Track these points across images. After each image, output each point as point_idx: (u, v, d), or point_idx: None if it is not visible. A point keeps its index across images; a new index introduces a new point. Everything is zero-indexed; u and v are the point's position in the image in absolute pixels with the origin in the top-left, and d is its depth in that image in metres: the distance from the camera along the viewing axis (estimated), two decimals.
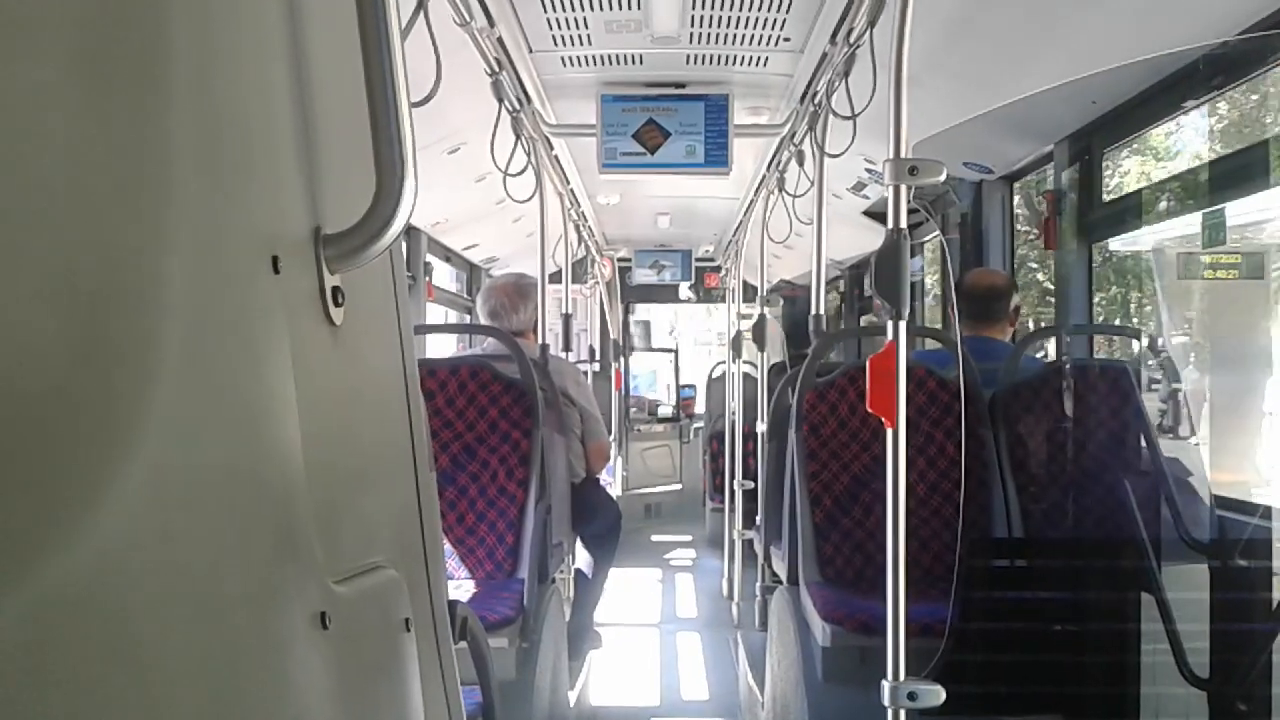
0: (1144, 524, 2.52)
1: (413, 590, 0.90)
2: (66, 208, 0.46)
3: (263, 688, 0.60)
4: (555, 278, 4.48)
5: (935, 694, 1.77)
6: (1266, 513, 2.25)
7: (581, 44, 3.20)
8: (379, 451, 0.90)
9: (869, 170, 4.38)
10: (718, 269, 8.86)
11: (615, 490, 7.87)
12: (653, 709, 4.47)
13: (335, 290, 0.77)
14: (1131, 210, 3.34)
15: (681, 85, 3.62)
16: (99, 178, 0.48)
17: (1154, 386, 3.06)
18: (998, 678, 2.26)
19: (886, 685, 1.79)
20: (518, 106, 3.34)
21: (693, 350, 10.12)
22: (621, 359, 9.14)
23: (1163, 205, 3.23)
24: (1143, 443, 2.89)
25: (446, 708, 1.00)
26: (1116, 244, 4.23)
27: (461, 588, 2.89)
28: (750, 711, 3.97)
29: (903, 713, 1.78)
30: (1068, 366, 3.24)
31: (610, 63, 3.41)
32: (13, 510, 0.41)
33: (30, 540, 0.42)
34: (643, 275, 8.51)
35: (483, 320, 3.79)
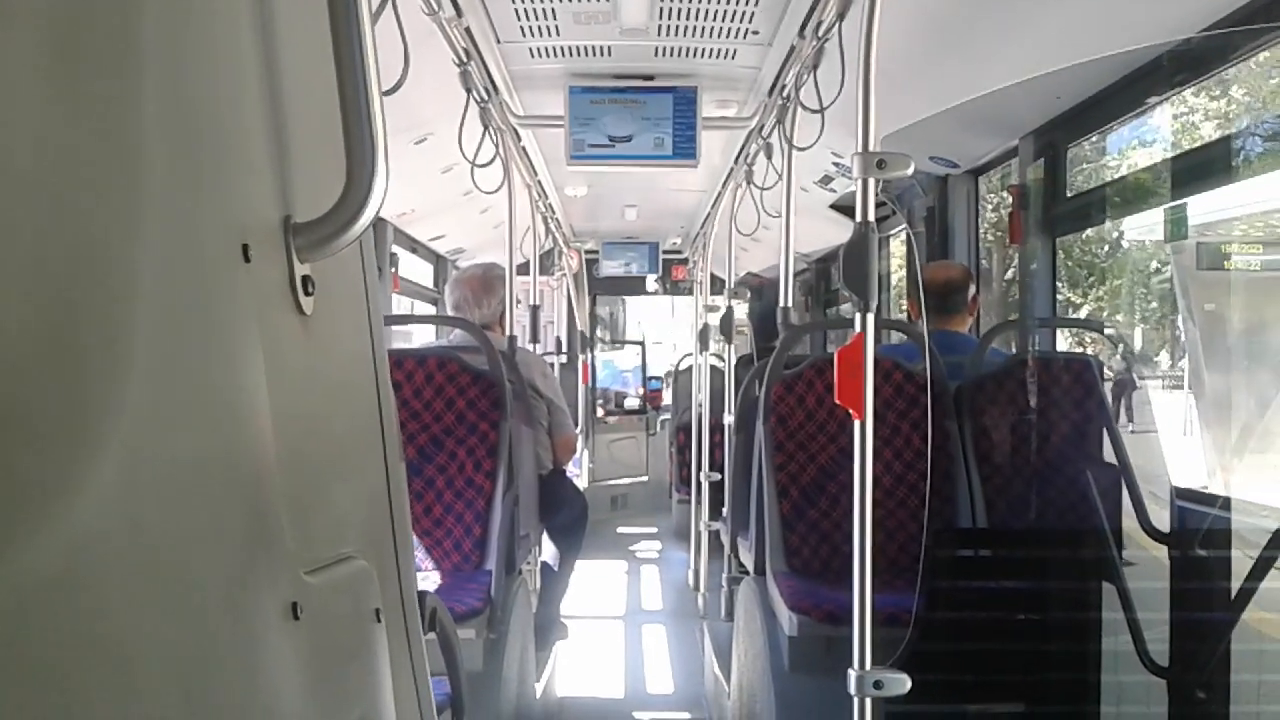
0: (1106, 514, 2.56)
1: (383, 581, 0.90)
2: (35, 197, 0.45)
3: (234, 677, 0.60)
4: (523, 269, 4.46)
5: (901, 682, 1.79)
6: (1225, 504, 2.29)
7: (550, 35, 3.19)
8: (350, 441, 0.90)
9: (836, 164, 4.40)
10: (685, 261, 8.87)
11: (582, 482, 7.87)
12: (619, 700, 4.49)
13: (305, 279, 0.77)
14: (1096, 205, 3.38)
15: (650, 77, 3.62)
16: (68, 167, 0.48)
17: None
18: (962, 666, 2.29)
19: (853, 674, 1.80)
20: (486, 97, 3.33)
21: (654, 349, 10.13)
22: (588, 351, 9.13)
23: (1126, 200, 3.27)
24: (1105, 433, 2.93)
25: (416, 698, 1.00)
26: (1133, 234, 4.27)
27: (429, 579, 2.88)
28: (716, 702, 3.99)
29: (869, 701, 1.80)
30: (1031, 359, 3.27)
31: (578, 54, 3.40)
32: None
33: (0, 530, 0.41)
34: (610, 267, 8.51)
35: (449, 312, 3.78)
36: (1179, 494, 2.51)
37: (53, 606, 0.43)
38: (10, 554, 0.41)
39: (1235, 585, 2.07)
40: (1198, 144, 3.15)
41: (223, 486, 0.61)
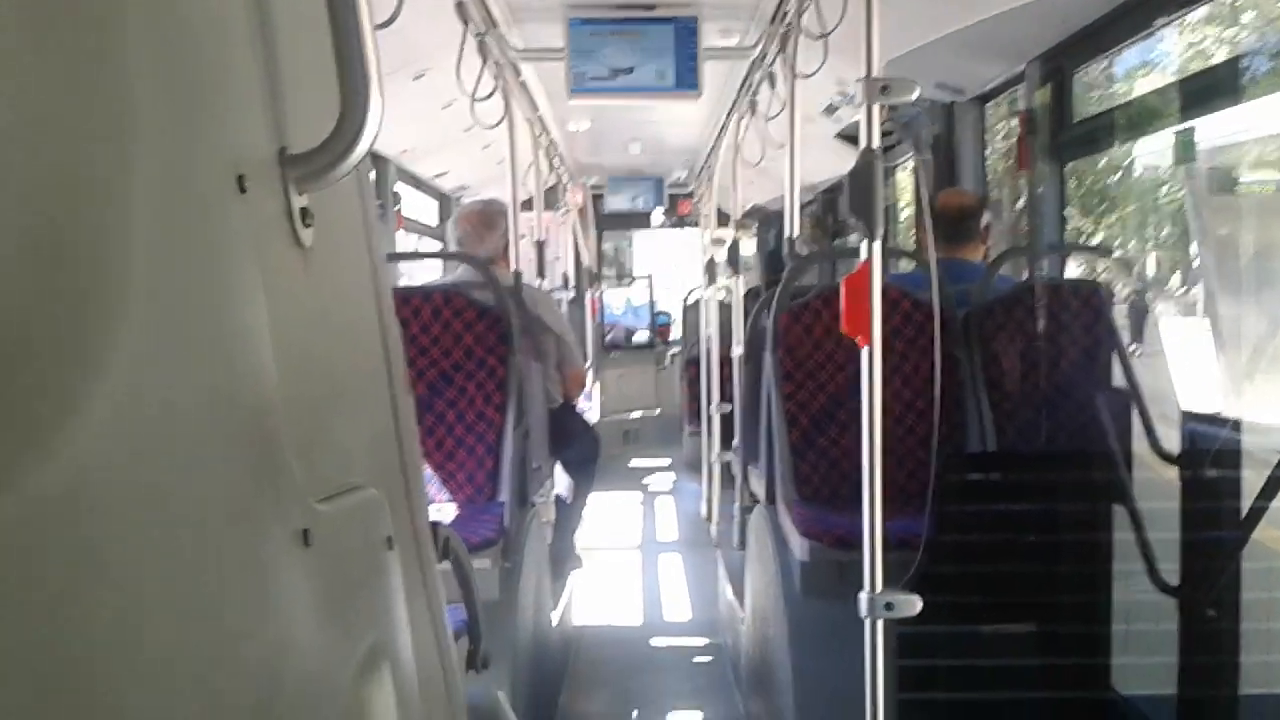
0: (1116, 437, 2.56)
1: (394, 510, 0.90)
2: (23, 133, 0.45)
3: (246, 603, 0.61)
4: (527, 205, 4.44)
5: (912, 604, 1.81)
6: (1236, 425, 2.29)
7: None
8: (354, 373, 0.90)
9: (841, 93, 4.35)
10: (690, 195, 8.82)
11: (593, 416, 7.90)
12: (636, 627, 4.55)
13: (303, 211, 0.76)
14: (1104, 129, 3.34)
15: (650, 7, 3.57)
16: (55, 100, 0.47)
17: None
18: (973, 588, 2.31)
19: (864, 597, 1.82)
20: (483, 29, 3.29)
21: (661, 283, 10.11)
22: (596, 287, 9.12)
23: (1134, 124, 3.23)
24: (1114, 358, 2.93)
25: (432, 623, 1.01)
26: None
27: (443, 511, 2.91)
28: (731, 627, 4.04)
29: (880, 623, 1.82)
30: (1039, 285, 3.26)
31: None
32: None
33: (2, 455, 0.42)
34: (615, 202, 8.46)
35: (452, 249, 3.77)
36: (1189, 416, 2.51)
37: (57, 530, 0.44)
38: (13, 478, 0.42)
39: (1245, 504, 2.08)
40: (1207, 65, 3.11)
41: (226, 415, 0.61)
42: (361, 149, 0.79)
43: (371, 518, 0.85)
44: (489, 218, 3.74)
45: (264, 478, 0.65)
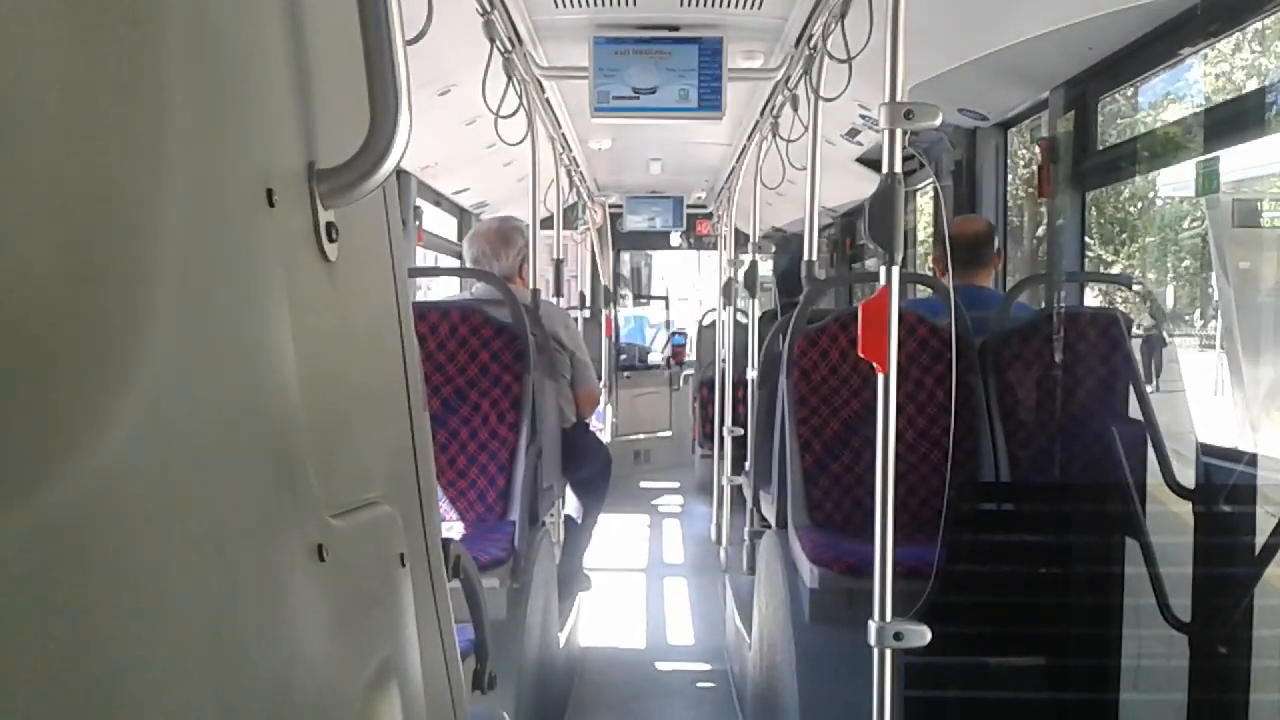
0: (1130, 470, 2.55)
1: (407, 527, 0.91)
2: (56, 141, 0.45)
3: (260, 616, 0.61)
4: (546, 223, 4.46)
5: (921, 634, 1.80)
6: (1252, 460, 2.27)
7: None
8: (374, 389, 0.91)
9: (863, 116, 4.35)
10: (709, 216, 8.83)
11: (605, 436, 7.90)
12: (641, 651, 4.53)
13: (330, 226, 0.77)
14: (1126, 158, 3.33)
15: (675, 28, 3.59)
16: (89, 110, 0.48)
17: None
18: (983, 619, 2.30)
19: (874, 625, 1.81)
20: (509, 47, 3.31)
21: (678, 305, 10.11)
22: (612, 306, 9.13)
23: (1158, 154, 3.22)
24: (1131, 390, 2.91)
25: (441, 642, 1.01)
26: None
27: (453, 529, 2.91)
28: (738, 653, 4.02)
29: (889, 653, 1.81)
30: (1057, 314, 3.25)
31: (603, 3, 3.37)
32: (12, 431, 0.41)
33: (30, 461, 0.42)
34: (634, 222, 8.47)
35: (469, 266, 3.78)
36: (1205, 450, 2.49)
37: (79, 538, 0.44)
38: (39, 484, 0.42)
39: (1260, 541, 2.06)
40: (1232, 96, 3.10)
41: (248, 428, 0.62)
42: (390, 165, 0.79)
43: (385, 534, 0.85)
44: (505, 234, 3.75)
45: (283, 491, 0.66)
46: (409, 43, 0.88)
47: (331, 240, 0.77)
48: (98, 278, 0.47)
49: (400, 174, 4.87)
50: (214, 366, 0.58)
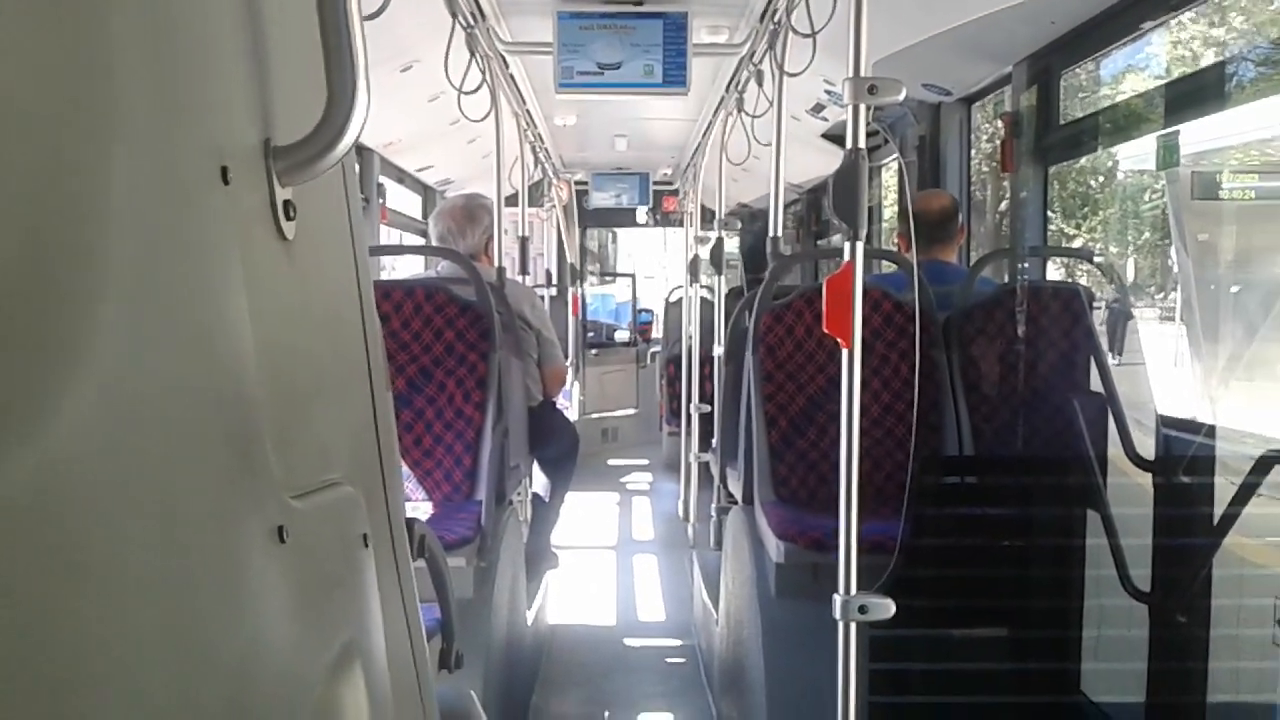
0: (1091, 442, 2.58)
1: (370, 507, 0.90)
2: (4, 117, 0.44)
3: (220, 600, 0.60)
4: (512, 200, 4.43)
5: (885, 607, 1.81)
6: (1210, 431, 2.30)
7: None
8: (334, 368, 0.90)
9: (828, 91, 4.36)
10: (675, 192, 8.82)
11: (573, 415, 7.89)
12: (609, 628, 4.55)
13: (287, 204, 0.76)
14: (1089, 133, 3.35)
15: (639, 2, 3.57)
16: (37, 85, 0.47)
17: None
18: (946, 591, 2.32)
19: (838, 599, 1.82)
20: (471, 23, 3.28)
21: (644, 282, 10.10)
22: (578, 284, 9.11)
23: (1119, 128, 3.24)
24: (1093, 363, 2.94)
25: (406, 622, 1.00)
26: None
27: (420, 509, 2.90)
28: (705, 628, 4.04)
29: (853, 626, 1.82)
30: (1020, 288, 3.27)
31: None
32: None
33: None
34: (600, 199, 8.45)
35: (432, 244, 3.75)
36: (1164, 422, 2.53)
37: (31, 524, 0.43)
38: None
39: (1218, 511, 2.10)
40: (1192, 70, 3.12)
41: (205, 411, 0.61)
42: (347, 142, 0.78)
43: (347, 515, 0.85)
44: (471, 212, 3.72)
45: (242, 472, 0.65)
46: (368, 18, 0.87)
47: (289, 218, 0.76)
48: (47, 258, 0.46)
49: (362, 151, 4.83)
50: (168, 347, 0.57)
